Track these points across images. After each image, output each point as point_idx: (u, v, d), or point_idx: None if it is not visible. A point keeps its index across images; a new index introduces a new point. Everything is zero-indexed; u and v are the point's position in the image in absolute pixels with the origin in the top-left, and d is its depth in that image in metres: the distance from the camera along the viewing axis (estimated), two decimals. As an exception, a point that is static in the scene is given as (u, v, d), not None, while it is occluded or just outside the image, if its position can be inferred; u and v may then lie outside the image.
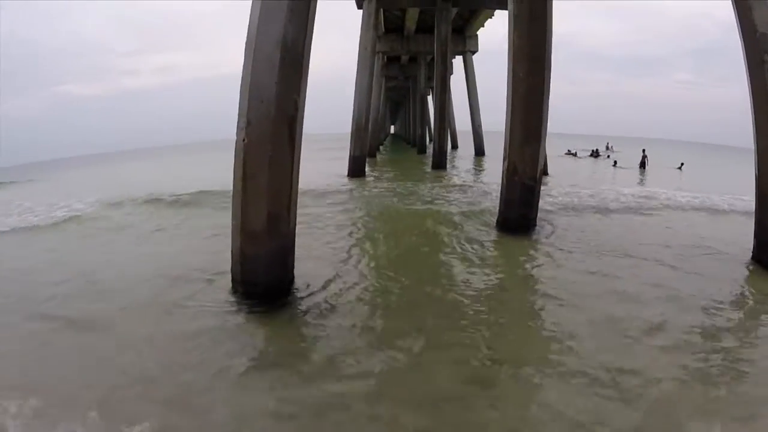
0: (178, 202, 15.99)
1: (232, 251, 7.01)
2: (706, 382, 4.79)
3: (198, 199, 16.09)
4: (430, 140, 48.83)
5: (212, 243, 10.28)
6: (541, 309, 6.79)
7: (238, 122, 6.59)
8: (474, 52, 38.10)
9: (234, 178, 6.71)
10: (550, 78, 10.54)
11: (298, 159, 6.82)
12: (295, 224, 7.11)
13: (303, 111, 6.81)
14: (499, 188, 11.54)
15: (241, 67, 6.63)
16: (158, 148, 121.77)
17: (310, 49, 6.84)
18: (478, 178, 23.86)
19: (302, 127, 6.86)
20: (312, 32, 6.85)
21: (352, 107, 23.99)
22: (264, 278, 6.79)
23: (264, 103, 6.41)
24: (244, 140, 6.48)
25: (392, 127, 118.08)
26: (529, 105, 10.53)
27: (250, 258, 6.74)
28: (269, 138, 6.41)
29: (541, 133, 10.69)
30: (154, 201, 16.24)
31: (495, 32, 33.96)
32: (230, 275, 7.30)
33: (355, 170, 23.25)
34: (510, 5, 10.55)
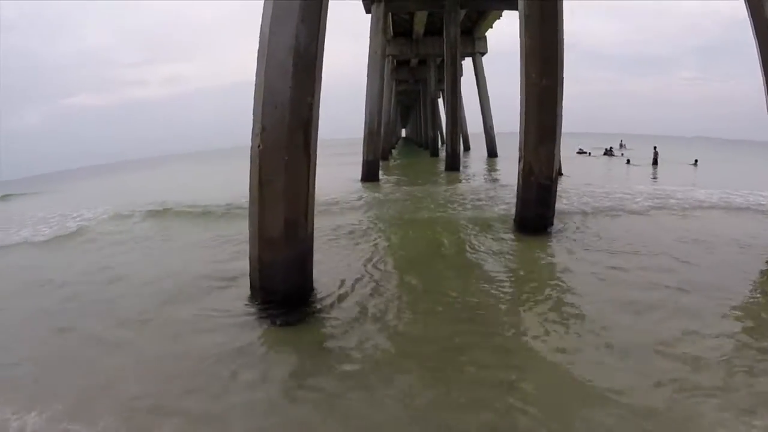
0: (183, 213, 16.02)
1: (250, 258, 6.94)
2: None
3: (204, 210, 16.07)
4: (442, 143, 48.80)
5: (222, 251, 10.42)
6: (560, 309, 6.61)
7: (252, 128, 6.54)
8: (483, 54, 37.94)
9: (250, 185, 6.65)
10: (563, 77, 10.45)
11: (314, 164, 6.76)
12: (312, 230, 7.03)
13: (318, 114, 6.73)
14: (515, 189, 11.48)
15: (253, 74, 6.59)
16: (167, 156, 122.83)
17: (323, 51, 6.78)
18: (492, 179, 23.77)
19: (317, 131, 6.80)
20: (324, 34, 6.77)
21: (362, 112, 24.03)
22: (283, 285, 6.71)
23: (278, 109, 6.35)
24: (259, 146, 6.42)
25: (403, 131, 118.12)
26: (543, 105, 10.45)
27: (268, 264, 6.66)
28: (284, 143, 6.35)
29: (556, 132, 10.60)
30: (161, 212, 16.30)
31: (503, 33, 33.89)
32: (243, 282, 7.32)
33: (369, 174, 23.21)
34: (520, 5, 10.47)
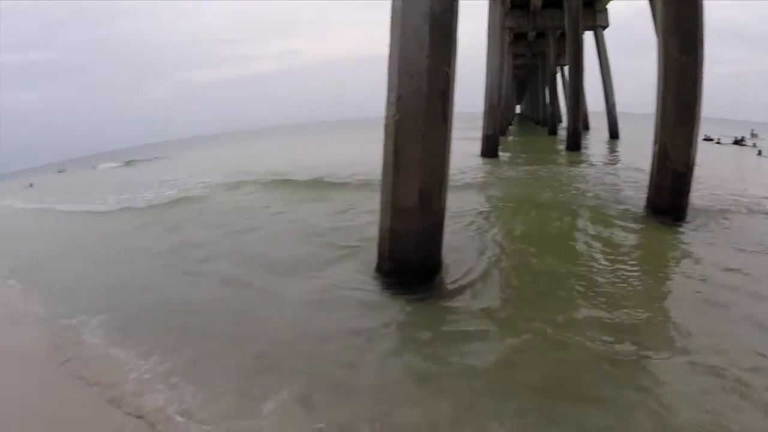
0: (293, 182, 16.74)
1: (380, 228, 6.92)
2: None
3: (318, 181, 16.62)
4: (559, 120, 46.90)
5: (341, 221, 10.53)
6: (693, 315, 5.87)
7: (387, 97, 6.45)
8: (605, 27, 35.40)
9: (384, 154, 6.59)
10: (703, 53, 9.46)
11: (450, 135, 6.59)
12: (445, 203, 6.87)
13: (454, 84, 6.52)
14: (647, 174, 10.71)
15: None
16: (276, 128, 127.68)
17: (457, 19, 6.51)
18: (617, 161, 22.03)
19: (453, 102, 6.59)
20: (458, 2, 6.50)
21: (475, 87, 23.40)
22: (415, 256, 6.63)
23: (415, 78, 6.21)
24: (395, 115, 6.33)
25: (518, 107, 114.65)
26: (682, 83, 9.55)
27: (401, 235, 6.60)
28: (422, 113, 6.21)
29: (696, 114, 9.65)
30: (275, 182, 17.07)
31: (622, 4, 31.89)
32: (366, 251, 7.47)
33: (489, 150, 22.64)
34: (655, -26, 9.61)
